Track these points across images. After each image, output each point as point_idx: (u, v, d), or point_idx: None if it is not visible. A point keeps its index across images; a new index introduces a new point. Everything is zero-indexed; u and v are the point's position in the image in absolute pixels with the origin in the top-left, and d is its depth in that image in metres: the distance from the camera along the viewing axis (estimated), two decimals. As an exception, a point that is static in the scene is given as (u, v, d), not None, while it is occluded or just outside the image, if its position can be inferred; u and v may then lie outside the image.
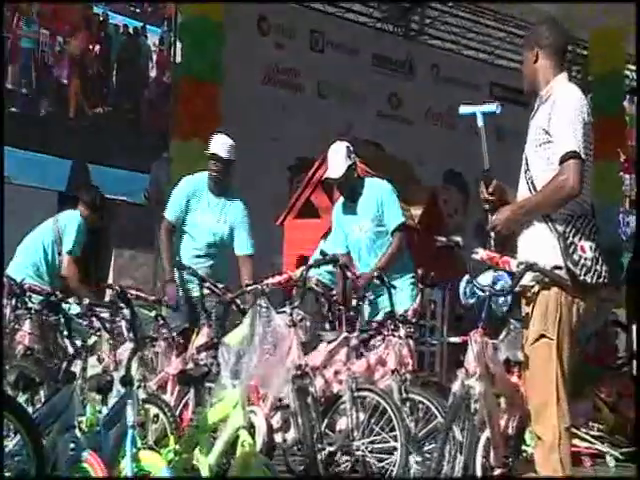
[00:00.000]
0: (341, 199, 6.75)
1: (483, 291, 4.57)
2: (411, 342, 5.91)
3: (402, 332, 5.80)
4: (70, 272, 7.17)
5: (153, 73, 12.58)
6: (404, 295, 6.33)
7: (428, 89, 13.88)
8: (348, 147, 6.57)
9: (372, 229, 6.52)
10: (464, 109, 4.80)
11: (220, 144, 6.71)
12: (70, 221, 7.40)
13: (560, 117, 4.31)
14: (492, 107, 4.75)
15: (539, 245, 4.35)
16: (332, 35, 13.11)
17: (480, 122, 4.66)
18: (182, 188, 6.83)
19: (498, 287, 4.63)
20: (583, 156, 4.23)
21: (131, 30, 12.50)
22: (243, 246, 6.74)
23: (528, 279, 4.35)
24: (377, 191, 6.59)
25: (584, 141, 4.28)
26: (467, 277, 4.73)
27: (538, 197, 4.35)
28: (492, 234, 4.49)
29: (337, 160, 6.53)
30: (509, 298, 4.61)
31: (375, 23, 13.85)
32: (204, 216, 6.71)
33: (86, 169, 9.94)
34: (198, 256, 6.66)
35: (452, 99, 13.59)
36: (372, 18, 13.82)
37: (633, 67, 15.51)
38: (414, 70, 13.95)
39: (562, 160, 4.24)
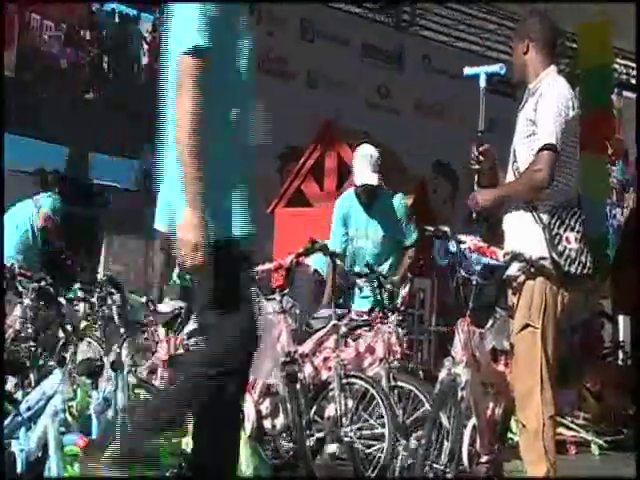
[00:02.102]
0: (352, 197, 6.69)
1: (454, 254, 4.58)
2: (400, 330, 5.93)
3: (391, 320, 5.82)
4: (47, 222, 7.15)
5: (145, 60, 12.53)
6: None
7: (418, 80, 13.88)
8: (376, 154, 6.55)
9: (381, 241, 6.53)
10: (468, 70, 4.85)
11: None
12: (46, 196, 7.45)
13: (544, 109, 4.38)
14: (496, 68, 4.81)
15: (525, 236, 4.40)
16: (322, 24, 13.09)
17: (483, 83, 4.71)
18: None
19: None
20: (559, 149, 4.30)
21: (119, 17, 12.50)
22: None
23: (514, 269, 4.39)
24: (397, 205, 6.60)
25: (564, 135, 4.35)
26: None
27: (514, 185, 4.47)
28: (474, 215, 4.55)
29: (373, 165, 6.47)
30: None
31: (366, 13, 13.81)
32: None
33: (85, 156, 9.93)
34: None
35: (442, 91, 13.62)
36: (363, 8, 13.79)
37: (622, 61, 15.58)
38: (404, 61, 13.94)
39: (538, 151, 4.32)
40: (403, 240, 6.55)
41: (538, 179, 4.31)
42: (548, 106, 4.36)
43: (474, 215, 4.59)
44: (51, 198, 7.45)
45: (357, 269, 6.36)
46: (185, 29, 3.48)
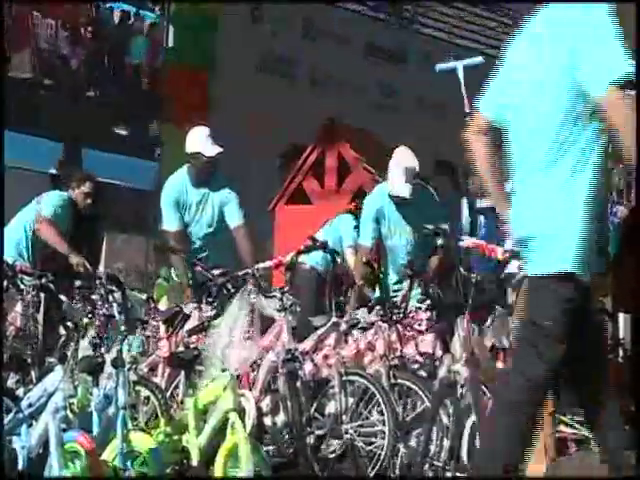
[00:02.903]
0: (385, 194, 6.55)
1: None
2: (400, 328, 5.94)
3: (391, 318, 5.83)
4: (45, 232, 7.08)
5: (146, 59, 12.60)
6: None
7: (420, 78, 13.88)
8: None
9: (412, 241, 6.50)
10: (442, 65, 4.84)
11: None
12: (51, 198, 7.41)
13: None
14: (475, 60, 4.80)
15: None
16: (325, 23, 13.10)
17: (461, 74, 4.71)
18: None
19: None
20: None
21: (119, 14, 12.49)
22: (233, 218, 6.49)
23: (514, 267, 4.40)
24: (431, 204, 6.55)
25: None
26: None
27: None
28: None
29: (407, 175, 6.35)
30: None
31: (368, 12, 13.83)
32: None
33: (78, 151, 9.93)
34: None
35: (444, 88, 13.60)
36: (365, 6, 13.81)
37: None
38: (406, 59, 13.96)
39: None
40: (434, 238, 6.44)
41: None
42: None
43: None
44: (49, 198, 7.41)
45: (391, 267, 6.36)
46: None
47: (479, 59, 4.82)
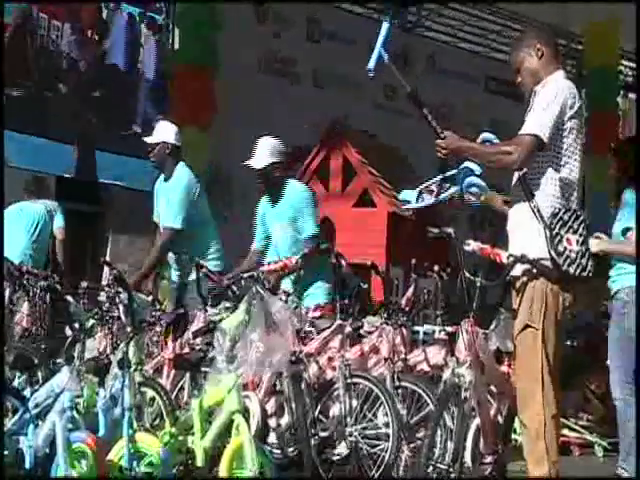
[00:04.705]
0: (265, 196, 6.68)
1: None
2: (404, 331, 5.98)
3: (396, 321, 5.87)
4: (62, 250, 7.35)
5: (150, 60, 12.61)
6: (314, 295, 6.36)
7: (423, 80, 13.91)
8: (276, 145, 6.55)
9: (290, 233, 6.51)
10: (371, 64, 4.86)
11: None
12: (57, 207, 7.60)
13: (539, 101, 4.45)
14: (383, 30, 4.82)
15: (527, 235, 4.43)
16: (328, 25, 13.13)
17: (387, 59, 4.74)
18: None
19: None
20: (545, 141, 4.34)
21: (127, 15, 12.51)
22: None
23: (518, 270, 4.44)
24: (293, 196, 6.54)
25: (558, 131, 4.39)
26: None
27: (485, 149, 4.51)
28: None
29: (261, 153, 6.50)
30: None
31: (372, 14, 13.85)
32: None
33: (93, 155, 10.00)
34: None
35: (447, 91, 13.66)
36: (369, 9, 13.84)
37: (627, 62, 15.60)
38: (410, 61, 13.98)
39: (521, 134, 4.37)
40: (301, 232, 6.48)
41: (509, 160, 4.37)
42: (543, 101, 4.43)
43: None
44: (62, 211, 7.63)
45: None
46: None
47: (384, 26, 4.82)
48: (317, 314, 5.99)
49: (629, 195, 5.89)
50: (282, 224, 6.53)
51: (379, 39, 4.69)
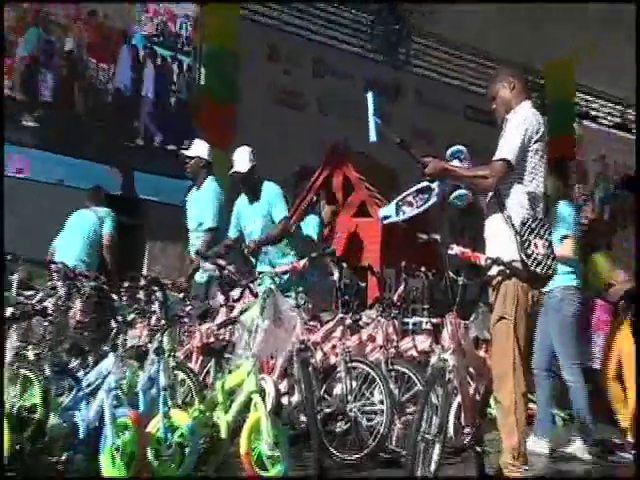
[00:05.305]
0: (243, 195, 6.80)
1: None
2: (396, 322, 6.00)
3: (389, 314, 5.90)
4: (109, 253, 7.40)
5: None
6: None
7: (412, 110, 13.96)
8: (251, 152, 6.68)
9: (263, 224, 6.63)
10: (372, 137, 4.86)
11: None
12: (107, 214, 7.61)
13: (510, 129, 4.49)
14: (369, 102, 4.82)
15: (501, 241, 4.47)
16: (331, 63, 13.19)
17: (379, 122, 4.76)
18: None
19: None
20: (513, 164, 4.38)
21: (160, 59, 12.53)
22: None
23: (494, 271, 4.47)
24: (268, 193, 6.67)
25: (526, 153, 4.43)
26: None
27: (466, 172, 4.54)
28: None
29: (242, 159, 6.61)
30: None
31: (367, 53, 13.96)
32: None
33: (132, 175, 10.09)
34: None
35: (431, 119, 13.72)
36: (366, 50, 13.96)
37: (581, 95, 15.85)
38: (400, 94, 14.03)
39: (495, 160, 4.41)
40: (275, 219, 6.64)
41: (485, 184, 4.43)
42: (513, 126, 4.47)
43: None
44: (112, 218, 7.64)
45: None
46: None
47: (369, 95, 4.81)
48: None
49: (562, 208, 6.16)
50: (259, 218, 6.64)
51: (369, 110, 4.68)
